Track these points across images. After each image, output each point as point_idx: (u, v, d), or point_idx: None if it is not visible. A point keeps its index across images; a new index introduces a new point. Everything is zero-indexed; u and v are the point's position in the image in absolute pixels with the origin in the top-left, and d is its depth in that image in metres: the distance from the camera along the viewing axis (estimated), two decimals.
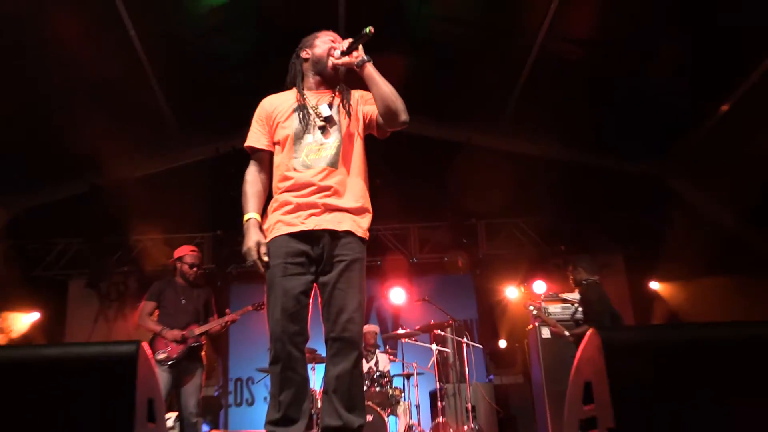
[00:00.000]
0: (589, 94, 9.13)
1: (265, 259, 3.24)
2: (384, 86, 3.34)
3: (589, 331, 2.54)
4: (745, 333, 2.54)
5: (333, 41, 3.51)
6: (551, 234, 10.79)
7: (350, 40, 3.35)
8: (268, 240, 3.31)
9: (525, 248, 10.84)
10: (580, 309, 6.96)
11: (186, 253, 6.45)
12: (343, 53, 3.37)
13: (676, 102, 8.83)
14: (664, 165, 10.46)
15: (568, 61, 8.75)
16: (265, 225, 3.38)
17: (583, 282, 6.85)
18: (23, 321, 9.88)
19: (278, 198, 3.39)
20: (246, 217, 3.36)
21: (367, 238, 3.40)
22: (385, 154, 10.13)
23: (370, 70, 3.33)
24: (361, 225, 3.36)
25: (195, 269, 6.39)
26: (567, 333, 6.92)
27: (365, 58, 3.31)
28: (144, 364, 2.43)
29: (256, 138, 3.51)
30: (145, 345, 2.48)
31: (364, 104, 3.52)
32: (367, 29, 3.23)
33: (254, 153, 3.53)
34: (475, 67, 9.29)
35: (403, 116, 3.38)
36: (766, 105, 8.12)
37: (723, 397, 2.33)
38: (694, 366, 2.41)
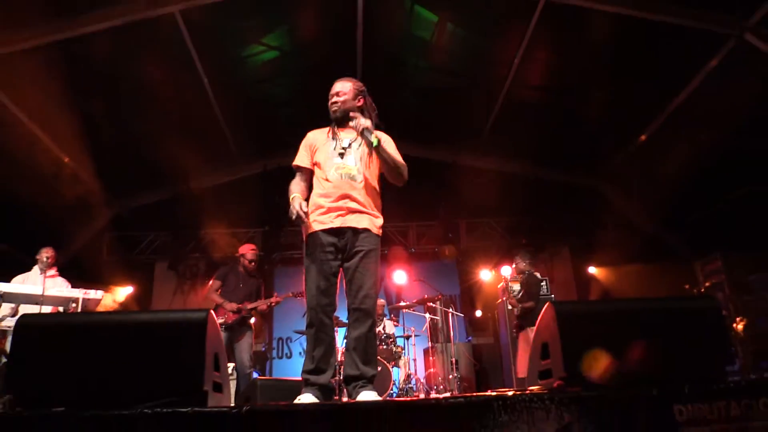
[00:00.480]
0: (543, 125, 9.14)
1: (305, 209, 3.22)
2: (390, 162, 3.37)
3: (547, 304, 2.53)
4: (651, 305, 2.62)
5: (332, 95, 3.50)
6: (515, 230, 10.78)
7: (366, 126, 3.31)
8: (307, 233, 3.31)
9: (495, 241, 10.81)
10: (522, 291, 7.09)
11: (248, 251, 6.44)
12: (361, 134, 3.34)
13: (607, 133, 8.86)
14: (599, 179, 10.46)
15: (527, 102, 8.76)
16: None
17: (525, 272, 7.06)
18: (122, 293, 9.93)
19: (314, 203, 3.38)
20: (291, 196, 3.34)
21: (381, 235, 3.39)
22: None
23: (380, 149, 3.32)
24: (376, 224, 3.35)
25: (253, 263, 6.40)
26: (516, 307, 7.00)
27: (377, 141, 3.28)
28: (212, 327, 2.44)
29: (301, 159, 3.52)
30: (212, 312, 2.48)
31: None
32: (375, 141, 3.27)
33: (299, 170, 3.52)
34: (458, 105, 9.30)
35: (403, 181, 3.47)
36: (672, 136, 8.17)
37: (637, 347, 2.35)
38: (619, 328, 2.43)
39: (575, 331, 2.39)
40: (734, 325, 7.76)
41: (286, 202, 3.37)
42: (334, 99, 3.49)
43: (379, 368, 6.88)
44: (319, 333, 3.16)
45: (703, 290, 8.65)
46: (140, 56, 7.22)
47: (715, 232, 8.74)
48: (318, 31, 8.01)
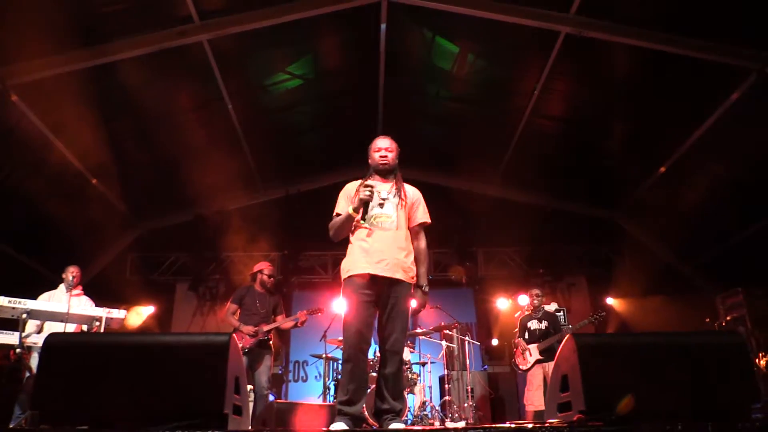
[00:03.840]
0: (561, 157, 9.13)
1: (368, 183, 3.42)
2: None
3: (567, 336, 2.50)
4: (675, 340, 2.54)
5: (378, 150, 3.63)
6: (532, 260, 10.67)
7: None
8: (345, 277, 3.45)
9: (512, 270, 10.72)
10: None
11: (265, 266, 6.41)
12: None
13: (626, 164, 8.80)
14: (616, 211, 10.38)
15: (547, 133, 8.74)
16: (344, 267, 3.51)
17: (542, 308, 7.08)
18: (144, 312, 9.98)
19: (353, 250, 3.50)
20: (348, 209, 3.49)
21: (414, 282, 3.50)
22: None
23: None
24: (409, 274, 3.46)
25: (272, 279, 6.36)
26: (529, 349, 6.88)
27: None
28: (234, 350, 2.44)
29: (341, 207, 3.62)
30: (234, 336, 2.48)
31: (413, 208, 3.61)
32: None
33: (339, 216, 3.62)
34: (477, 134, 9.31)
35: None
36: (692, 169, 8.10)
37: (659, 383, 2.30)
38: (642, 362, 2.38)
39: (596, 364, 2.35)
40: (756, 360, 7.57)
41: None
42: (384, 153, 3.62)
43: None
44: (355, 369, 3.31)
45: (724, 324, 8.47)
46: (168, 82, 7.37)
47: (736, 265, 8.60)
48: (341, 60, 8.12)
